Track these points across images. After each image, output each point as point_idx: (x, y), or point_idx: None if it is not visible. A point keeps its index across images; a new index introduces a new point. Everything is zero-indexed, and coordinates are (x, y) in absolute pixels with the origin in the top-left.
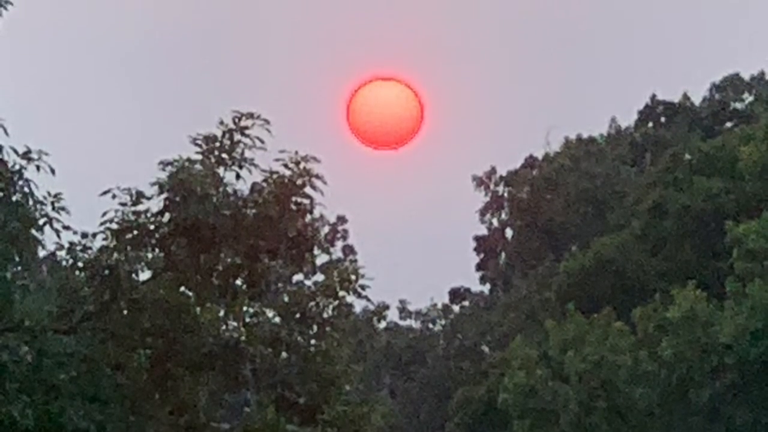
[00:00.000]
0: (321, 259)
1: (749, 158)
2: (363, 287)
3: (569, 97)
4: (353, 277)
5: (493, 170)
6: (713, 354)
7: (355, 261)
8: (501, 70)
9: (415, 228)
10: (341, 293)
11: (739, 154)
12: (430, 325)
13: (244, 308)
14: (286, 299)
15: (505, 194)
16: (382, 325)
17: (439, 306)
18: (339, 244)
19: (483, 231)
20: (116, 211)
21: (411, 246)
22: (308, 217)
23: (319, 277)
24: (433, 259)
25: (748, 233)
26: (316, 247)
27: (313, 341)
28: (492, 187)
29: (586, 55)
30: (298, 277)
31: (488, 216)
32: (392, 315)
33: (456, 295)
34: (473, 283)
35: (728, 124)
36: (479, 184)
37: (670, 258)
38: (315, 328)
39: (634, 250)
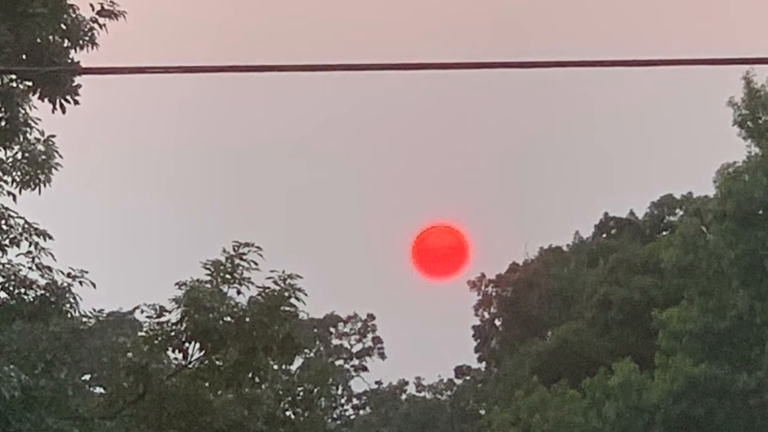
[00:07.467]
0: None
1: (669, 261)
2: (339, 374)
3: (545, 216)
4: (329, 369)
5: (483, 276)
6: (645, 412)
7: (332, 359)
8: (486, 197)
9: (429, 321)
10: (323, 380)
11: (663, 258)
12: (439, 396)
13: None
14: (279, 387)
15: (494, 293)
16: (403, 396)
17: (446, 380)
18: (369, 335)
19: (477, 322)
20: (144, 322)
21: (426, 336)
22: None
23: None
24: (441, 344)
25: (671, 318)
26: (301, 346)
27: (301, 418)
28: (482, 288)
29: (561, 186)
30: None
31: (481, 310)
32: (410, 389)
33: (459, 371)
34: (473, 361)
35: (665, 233)
36: (472, 287)
37: (614, 339)
38: (302, 406)
39: (586, 334)
